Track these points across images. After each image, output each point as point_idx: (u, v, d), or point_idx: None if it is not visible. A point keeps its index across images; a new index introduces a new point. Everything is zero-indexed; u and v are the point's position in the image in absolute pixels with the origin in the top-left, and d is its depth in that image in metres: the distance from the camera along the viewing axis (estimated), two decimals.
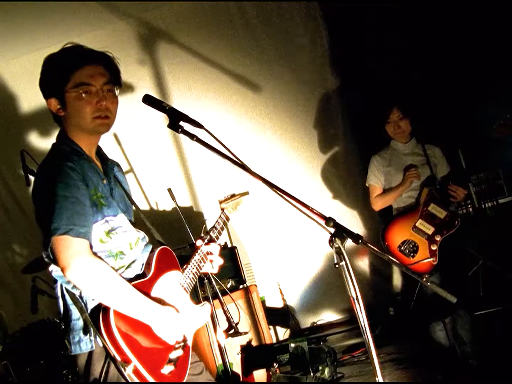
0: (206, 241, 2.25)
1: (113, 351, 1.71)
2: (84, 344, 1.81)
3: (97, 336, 1.76)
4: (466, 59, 4.35)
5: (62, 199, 1.73)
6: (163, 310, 1.86)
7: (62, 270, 1.70)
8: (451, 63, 4.40)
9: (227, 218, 2.48)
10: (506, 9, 4.17)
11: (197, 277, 2.17)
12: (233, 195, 2.66)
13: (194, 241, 2.29)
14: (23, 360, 3.72)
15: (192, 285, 2.14)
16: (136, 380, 1.71)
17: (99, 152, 2.09)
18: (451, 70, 4.39)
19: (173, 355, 1.87)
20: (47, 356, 3.73)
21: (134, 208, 2.19)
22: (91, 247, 1.78)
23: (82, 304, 1.80)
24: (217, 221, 2.41)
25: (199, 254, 2.20)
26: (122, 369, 1.69)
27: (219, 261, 2.28)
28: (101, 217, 1.88)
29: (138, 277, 1.95)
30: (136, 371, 1.71)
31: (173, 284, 2.05)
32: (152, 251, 2.07)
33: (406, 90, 4.13)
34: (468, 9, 4.24)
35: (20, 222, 5.12)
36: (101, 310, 1.76)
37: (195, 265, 2.16)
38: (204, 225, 2.47)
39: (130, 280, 1.86)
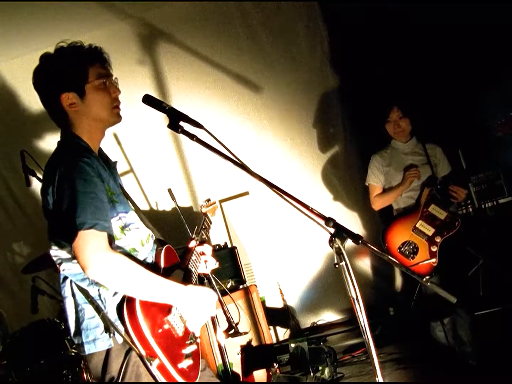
0: (198, 242, 2.30)
1: (139, 347, 1.71)
2: (100, 341, 1.80)
3: (115, 333, 1.76)
4: (466, 58, 4.35)
5: (82, 195, 1.73)
6: (191, 289, 1.87)
7: (84, 267, 1.69)
8: (451, 63, 4.40)
9: (210, 222, 2.58)
10: (506, 8, 4.17)
11: (196, 276, 2.19)
12: (208, 200, 2.74)
13: (187, 243, 2.31)
14: (23, 360, 3.71)
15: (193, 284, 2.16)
16: (160, 376, 1.72)
17: (100, 151, 2.10)
18: (451, 70, 4.39)
19: (188, 350, 1.88)
20: (47, 356, 3.73)
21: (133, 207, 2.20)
22: (112, 242, 1.79)
23: (99, 302, 1.80)
24: (203, 223, 2.49)
25: (194, 255, 2.23)
26: (149, 364, 1.69)
27: (213, 261, 2.32)
28: (116, 213, 1.89)
29: None
30: (161, 366, 1.72)
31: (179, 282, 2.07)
32: (159, 250, 2.08)
33: (407, 90, 4.13)
34: (468, 9, 4.24)
35: (20, 222, 5.12)
36: (126, 305, 1.76)
37: (193, 265, 2.19)
38: (195, 228, 2.51)
39: None
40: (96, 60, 1.96)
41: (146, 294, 1.77)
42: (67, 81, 1.91)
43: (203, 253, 2.28)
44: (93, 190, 1.76)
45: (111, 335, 1.79)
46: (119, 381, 1.79)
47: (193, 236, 2.38)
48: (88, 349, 1.82)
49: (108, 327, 1.78)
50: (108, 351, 1.81)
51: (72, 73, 1.91)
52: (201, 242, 2.32)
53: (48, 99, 1.96)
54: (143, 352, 1.72)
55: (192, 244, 2.28)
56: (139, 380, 1.75)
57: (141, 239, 1.98)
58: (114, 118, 2.00)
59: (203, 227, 2.47)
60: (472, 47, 4.30)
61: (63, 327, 3.84)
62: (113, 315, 1.80)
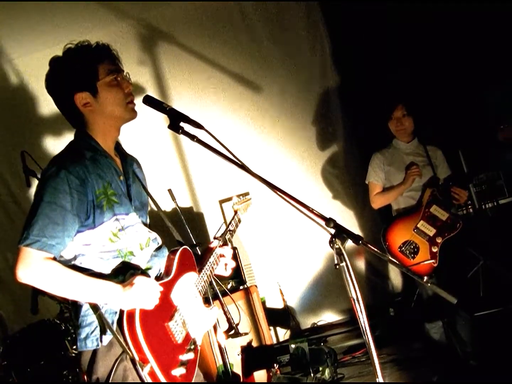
0: (220, 243, 2.26)
1: (132, 350, 1.71)
2: (90, 341, 1.81)
3: (102, 334, 1.77)
4: (467, 59, 4.35)
5: (43, 205, 1.77)
6: (127, 286, 1.78)
7: (15, 276, 1.78)
8: (452, 63, 4.39)
9: (239, 221, 2.49)
10: (507, 9, 4.17)
11: (210, 279, 2.18)
12: (243, 195, 2.62)
13: (209, 243, 2.29)
14: (23, 361, 3.72)
15: (206, 288, 2.15)
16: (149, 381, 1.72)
17: (118, 148, 2.10)
18: (452, 70, 4.38)
19: (185, 357, 1.87)
20: (47, 356, 3.73)
21: (154, 206, 2.21)
22: (55, 258, 1.79)
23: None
24: (230, 223, 2.41)
25: (213, 256, 2.20)
26: (140, 369, 1.70)
27: (232, 264, 2.29)
28: (112, 215, 1.88)
29: (157, 279, 1.96)
30: (151, 373, 1.72)
31: (190, 286, 2.06)
32: (174, 252, 2.07)
33: (411, 89, 4.12)
34: (470, 10, 4.24)
35: (20, 223, 5.10)
36: (126, 309, 1.77)
37: (209, 268, 2.17)
38: (220, 227, 2.47)
39: None
40: (104, 57, 1.96)
41: (77, 297, 1.81)
42: (78, 80, 1.92)
43: (222, 255, 2.25)
44: (57, 201, 1.77)
45: (97, 336, 1.80)
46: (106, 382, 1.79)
47: (217, 236, 2.34)
48: (80, 346, 1.84)
49: (104, 327, 1.78)
50: (95, 352, 1.82)
51: (82, 72, 1.91)
52: (223, 244, 2.28)
53: (62, 101, 1.97)
54: (136, 357, 1.71)
55: (214, 244, 2.25)
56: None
57: (140, 243, 1.97)
58: (129, 114, 1.99)
59: (231, 226, 2.40)
60: (473, 48, 4.30)
61: (63, 327, 3.84)
62: (110, 316, 1.80)
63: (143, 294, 1.76)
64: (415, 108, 3.63)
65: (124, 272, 1.86)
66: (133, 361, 1.71)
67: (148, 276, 1.91)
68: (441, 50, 4.42)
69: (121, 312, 1.78)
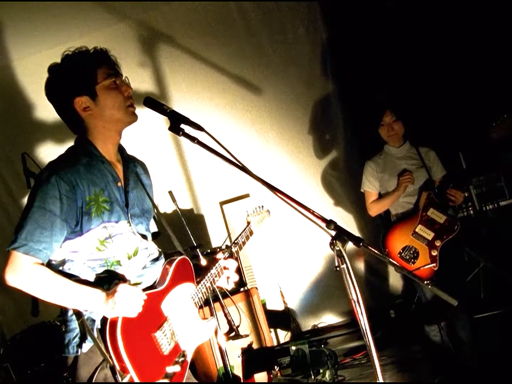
0: (226, 255, 2.23)
1: (114, 360, 1.70)
2: (71, 347, 1.82)
3: (82, 343, 1.78)
4: (468, 61, 4.35)
5: (33, 210, 1.80)
6: (111, 293, 1.78)
7: (4, 279, 1.76)
8: (453, 66, 4.40)
9: (251, 233, 2.45)
10: (505, 9, 4.18)
11: (210, 291, 2.15)
12: (260, 207, 2.58)
13: (216, 253, 2.27)
14: (24, 363, 3.71)
15: (204, 299, 2.12)
16: None
17: (123, 153, 2.10)
18: (454, 72, 4.39)
19: (170, 369, 1.85)
20: (48, 358, 3.73)
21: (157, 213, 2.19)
22: (43, 263, 1.79)
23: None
24: (240, 234, 2.39)
25: (216, 268, 2.18)
26: (119, 378, 1.69)
27: (235, 278, 2.25)
28: (100, 222, 1.87)
29: (150, 288, 1.94)
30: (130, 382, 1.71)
31: (184, 297, 2.03)
32: (171, 262, 2.05)
33: (402, 92, 4.12)
34: (465, 10, 4.25)
35: None
36: (110, 318, 1.76)
37: (209, 279, 2.14)
38: (226, 238, 2.44)
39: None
40: (103, 61, 1.96)
41: (61, 303, 1.80)
42: (77, 85, 1.92)
43: (226, 268, 2.21)
44: (46, 206, 1.79)
45: (77, 343, 1.80)
46: None
47: (223, 248, 2.33)
48: (64, 351, 1.84)
49: (85, 334, 1.78)
50: (76, 358, 1.82)
51: (81, 77, 1.92)
52: (228, 256, 2.25)
53: (62, 107, 1.97)
54: (117, 365, 1.71)
55: (219, 256, 2.23)
56: None
57: (127, 252, 1.94)
58: (130, 117, 1.99)
59: (240, 238, 2.36)
60: (473, 50, 4.30)
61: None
62: (89, 324, 1.80)
63: (125, 302, 1.75)
64: (404, 112, 3.63)
65: (110, 281, 1.84)
66: (112, 369, 1.70)
67: (134, 285, 1.89)
68: (441, 51, 4.43)
69: (105, 320, 1.77)
